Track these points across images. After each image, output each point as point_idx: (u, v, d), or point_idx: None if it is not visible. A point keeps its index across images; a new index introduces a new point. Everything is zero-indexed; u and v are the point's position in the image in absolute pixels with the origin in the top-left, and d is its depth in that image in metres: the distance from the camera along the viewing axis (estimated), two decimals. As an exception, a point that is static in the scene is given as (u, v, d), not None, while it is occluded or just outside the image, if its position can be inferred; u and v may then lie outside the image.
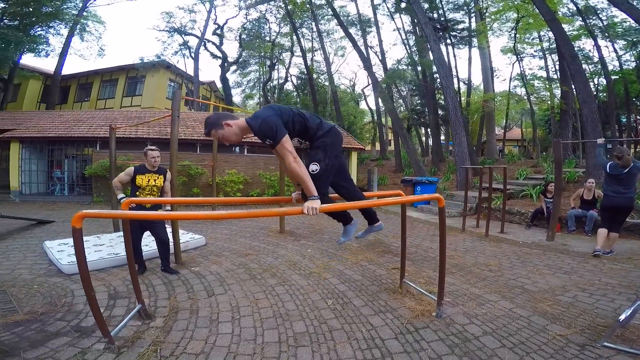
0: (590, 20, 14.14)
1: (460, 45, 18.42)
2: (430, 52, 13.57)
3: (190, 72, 21.06)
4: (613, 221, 4.40)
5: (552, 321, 2.50)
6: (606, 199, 4.41)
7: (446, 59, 16.12)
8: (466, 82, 19.10)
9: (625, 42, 14.63)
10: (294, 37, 21.93)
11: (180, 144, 11.87)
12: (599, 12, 14.23)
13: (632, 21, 10.06)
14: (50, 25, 16.33)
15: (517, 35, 14.39)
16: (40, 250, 4.53)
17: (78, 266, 2.01)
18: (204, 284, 3.47)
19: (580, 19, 13.93)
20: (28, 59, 19.28)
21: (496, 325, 2.47)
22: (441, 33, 16.25)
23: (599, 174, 6.70)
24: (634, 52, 14.70)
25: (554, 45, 14.09)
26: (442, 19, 16.89)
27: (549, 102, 15.04)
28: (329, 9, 17.35)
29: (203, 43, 21.38)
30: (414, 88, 21.32)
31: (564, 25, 10.51)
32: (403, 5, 15.01)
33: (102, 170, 9.90)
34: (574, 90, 10.00)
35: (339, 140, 2.27)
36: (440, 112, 17.99)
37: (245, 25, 22.86)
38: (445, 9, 17.17)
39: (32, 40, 15.47)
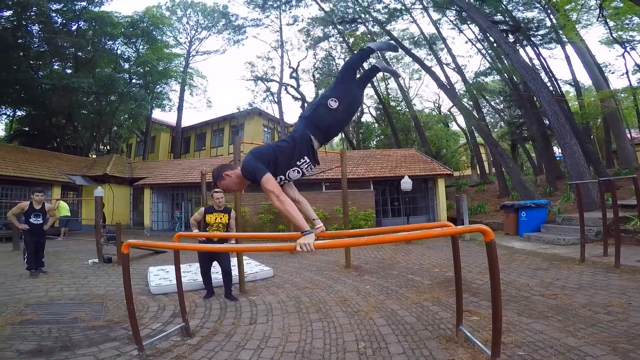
0: None
1: (548, 45, 15.59)
2: (507, 57, 11.96)
3: (278, 116, 23.04)
4: None
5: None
6: None
7: (535, 62, 13.89)
8: (571, 83, 15.72)
9: None
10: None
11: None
12: None
13: None
14: (166, 82, 20.20)
15: (611, 23, 11.39)
16: (145, 274, 5.46)
17: (124, 284, 2.43)
18: (252, 312, 3.58)
19: None
20: (158, 114, 24.04)
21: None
22: (516, 34, 14.21)
23: None
24: None
25: None
26: (510, 21, 14.87)
27: None
28: (388, 36, 17.38)
29: (284, 87, 23.22)
30: (508, 99, 18.66)
31: None
32: (465, 14, 13.99)
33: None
34: None
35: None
36: (545, 121, 15.08)
37: (316, 65, 24.30)
38: (510, 9, 15.09)
39: (156, 96, 19.26)
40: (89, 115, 18.36)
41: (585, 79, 18.04)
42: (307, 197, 10.90)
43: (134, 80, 18.54)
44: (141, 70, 18.11)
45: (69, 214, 11.15)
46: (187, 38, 23.56)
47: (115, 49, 18.10)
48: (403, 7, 17.00)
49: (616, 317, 2.74)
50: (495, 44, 13.48)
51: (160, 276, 4.93)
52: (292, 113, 48.59)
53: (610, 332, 2.43)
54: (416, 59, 16.17)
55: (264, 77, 23.02)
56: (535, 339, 2.47)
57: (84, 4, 15.57)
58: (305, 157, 1.99)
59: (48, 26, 15.10)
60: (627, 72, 14.15)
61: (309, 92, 37.16)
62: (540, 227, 8.36)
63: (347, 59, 2.28)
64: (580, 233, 5.46)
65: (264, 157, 1.94)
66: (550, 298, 3.55)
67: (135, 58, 18.29)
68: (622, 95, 13.54)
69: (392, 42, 2.53)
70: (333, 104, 1.99)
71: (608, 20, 11.59)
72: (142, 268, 6.08)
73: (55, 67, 17.28)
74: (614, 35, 12.51)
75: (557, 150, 18.59)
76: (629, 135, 15.31)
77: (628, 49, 13.12)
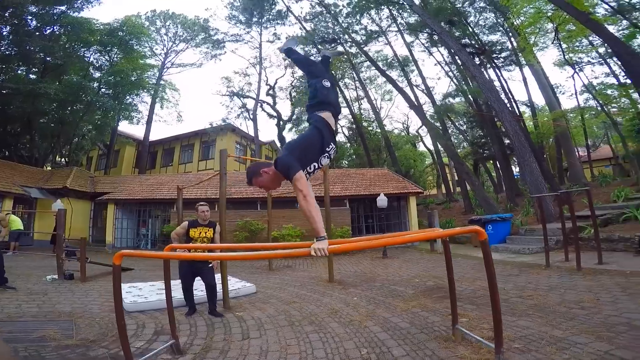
0: (634, 15, 12.21)
1: (508, 67, 17.27)
2: (473, 79, 13.06)
3: (252, 133, 22.65)
4: None
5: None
6: None
7: (497, 83, 15.20)
8: (527, 104, 17.42)
9: None
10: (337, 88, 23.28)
11: (242, 202, 13.18)
12: (637, 6, 12.33)
13: None
14: (137, 93, 19.24)
15: (564, 45, 12.87)
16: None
17: (114, 298, 2.28)
18: (242, 327, 3.44)
19: (623, 17, 12.16)
20: (123, 127, 22.61)
21: (578, 374, 1.82)
22: (481, 57, 15.64)
23: None
24: None
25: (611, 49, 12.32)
26: (477, 43, 16.41)
27: (632, 110, 12.57)
28: (365, 57, 18.25)
29: (259, 104, 23.00)
30: (471, 120, 20.16)
31: (609, 26, 9.30)
32: (436, 38, 15.25)
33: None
34: None
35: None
36: (506, 141, 16.47)
37: (293, 83, 24.29)
38: (478, 32, 16.69)
39: (125, 108, 18.29)
40: (49, 124, 17.00)
41: (539, 100, 20.00)
42: (284, 214, 10.87)
43: (103, 90, 17.61)
44: (112, 79, 17.27)
45: (21, 228, 10.12)
46: (163, 49, 23.03)
47: (88, 56, 17.27)
48: (380, 30, 18.07)
49: (590, 311, 3.00)
50: (462, 66, 14.66)
51: (133, 293, 4.68)
52: (266, 131, 48.31)
53: (589, 323, 2.66)
54: (390, 80, 17.10)
55: (240, 92, 22.77)
56: (525, 333, 2.63)
57: (63, 8, 14.87)
58: (332, 144, 2.10)
59: (20, 29, 14.12)
60: (576, 93, 15.91)
61: (285, 110, 37.03)
62: (506, 238, 8.96)
63: (293, 60, 2.53)
64: (544, 242, 5.95)
65: (297, 152, 1.98)
66: (527, 299, 3.80)
67: (107, 67, 17.49)
68: (571, 115, 15.04)
69: (295, 37, 2.94)
70: (326, 83, 2.23)
71: (562, 42, 12.98)
72: (110, 285, 5.62)
73: (19, 71, 16.03)
74: (566, 57, 13.96)
75: (514, 168, 20.10)
76: (577, 154, 16.98)
77: (577, 70, 14.79)
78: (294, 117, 25.32)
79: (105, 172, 20.18)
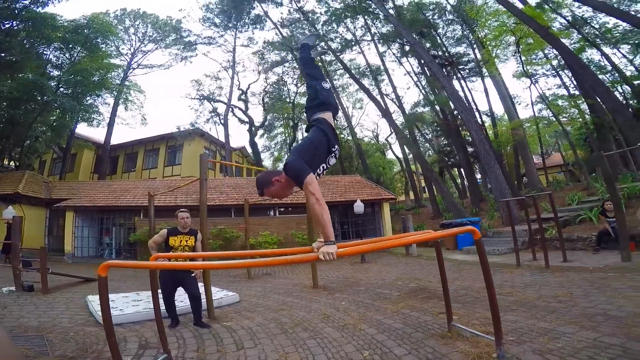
0: (585, 29, 13.77)
1: (472, 78, 18.45)
2: (443, 89, 13.77)
3: (222, 138, 21.99)
4: None
5: (654, 347, 1.93)
6: None
7: (462, 94, 16.19)
8: (488, 114, 18.74)
9: (630, 46, 13.82)
10: None
11: (216, 210, 12.68)
12: (588, 20, 13.92)
13: (626, 24, 9.74)
14: (99, 94, 18.00)
15: (523, 58, 14.07)
16: (82, 304, 4.77)
17: (101, 312, 2.10)
18: (234, 337, 3.28)
19: (576, 31, 13.64)
20: (82, 129, 20.91)
21: (579, 359, 1.95)
22: (448, 68, 16.63)
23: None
24: None
25: (564, 62, 13.66)
26: (446, 54, 17.43)
27: (580, 119, 13.97)
28: (341, 65, 18.62)
29: (231, 109, 22.40)
30: (438, 129, 21.23)
31: (563, 40, 10.33)
32: (407, 48, 15.97)
33: (145, 236, 10.47)
34: (600, 101, 9.41)
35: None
36: (469, 149, 17.51)
37: (266, 89, 24.07)
38: (447, 45, 17.76)
39: (85, 109, 16.96)
40: (-3, 124, 15.31)
41: (498, 109, 21.33)
42: (260, 222, 10.73)
43: (62, 89, 16.22)
44: (73, 78, 15.97)
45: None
46: (130, 49, 21.73)
47: (48, 54, 15.83)
48: (354, 38, 18.55)
49: (567, 304, 3.24)
50: (433, 77, 15.43)
51: None
52: (237, 136, 47.17)
53: (570, 315, 2.87)
54: (364, 89, 17.54)
55: (211, 96, 22.11)
56: (515, 327, 2.78)
57: (27, 2, 13.58)
58: (336, 144, 2.11)
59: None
60: (532, 103, 17.29)
61: (257, 115, 36.39)
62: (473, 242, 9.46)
63: (300, 57, 2.55)
64: (514, 243, 6.38)
65: (307, 154, 1.94)
66: (507, 296, 4.03)
67: (68, 65, 16.17)
68: (527, 124, 16.34)
69: (317, 33, 2.94)
70: (326, 85, 2.29)
71: (522, 55, 14.11)
72: (76, 297, 5.29)
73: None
74: (525, 68, 15.10)
75: (477, 175, 21.34)
76: (533, 161, 18.37)
77: (534, 81, 16.05)
78: (266, 123, 25.12)
79: (61, 177, 18.45)
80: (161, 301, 3.91)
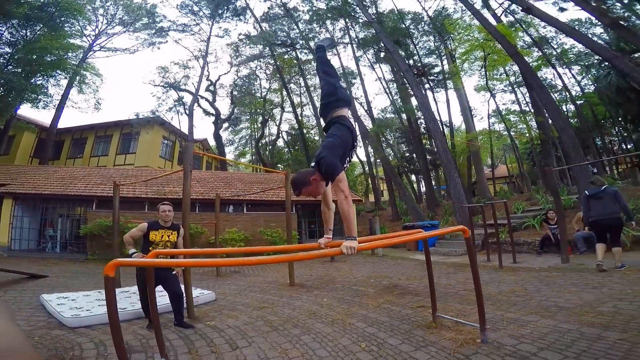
0: (546, 50, 15.57)
1: (437, 89, 19.84)
2: (412, 98, 14.52)
3: (184, 129, 21.01)
4: (609, 238, 4.63)
5: (605, 329, 2.41)
6: (593, 220, 4.69)
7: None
8: (447, 124, 20.24)
9: (580, 67, 15.92)
10: (284, 92, 22.65)
11: (178, 203, 11.99)
12: (549, 40, 15.80)
13: (581, 46, 11.21)
14: (52, 74, 16.38)
15: (487, 73, 15.43)
16: (36, 304, 4.41)
17: (109, 318, 1.95)
18: (225, 337, 3.26)
19: (537, 49, 15.33)
20: (24, 110, 19.16)
21: (549, 341, 2.36)
22: (418, 78, 17.73)
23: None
24: (589, 75, 15.93)
25: (520, 79, 15.26)
26: (418, 64, 18.52)
27: (527, 135, 15.73)
28: (314, 63, 18.79)
29: (197, 99, 21.64)
30: (401, 135, 22.36)
31: (524, 58, 11.58)
32: (382, 55, 16.66)
33: (98, 230, 9.63)
34: (549, 119, 10.71)
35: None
36: (428, 157, 18.75)
37: (236, 82, 23.52)
38: (420, 55, 18.89)
39: (33, 89, 15.28)
40: None
41: (456, 121, 22.86)
42: (227, 217, 10.60)
43: (10, 67, 14.30)
44: (26, 57, 14.17)
45: None
46: (94, 30, 19.68)
47: (2, 30, 13.96)
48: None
49: (524, 298, 3.77)
50: (403, 85, 16.21)
51: (68, 305, 4.08)
52: (200, 128, 44.98)
53: (529, 307, 3.37)
54: None
55: (177, 85, 20.98)
56: (487, 317, 3.14)
57: None
58: (357, 140, 2.29)
59: None
60: (488, 117, 18.99)
61: (223, 108, 35.10)
62: (435, 242, 10.26)
63: (318, 57, 2.61)
64: (472, 244, 7.08)
65: (338, 151, 2.06)
66: (472, 292, 4.50)
67: (23, 43, 14.28)
68: (480, 138, 17.91)
69: (332, 37, 3.17)
70: (343, 83, 2.49)
71: (487, 70, 15.40)
72: (25, 296, 4.88)
73: None
74: (488, 83, 16.43)
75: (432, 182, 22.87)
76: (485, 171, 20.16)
77: (493, 95, 17.62)
78: (233, 116, 24.49)
79: (-6, 161, 16.23)
80: (121, 302, 3.77)
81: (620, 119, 15.26)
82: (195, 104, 21.27)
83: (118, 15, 20.02)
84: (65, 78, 17.52)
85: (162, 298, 4.03)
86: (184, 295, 3.88)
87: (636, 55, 11.30)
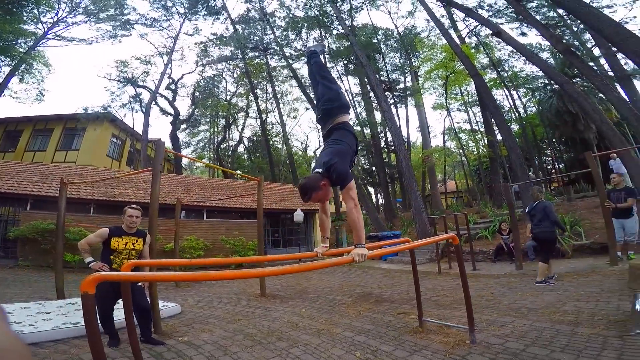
0: (501, 72, 17.37)
1: (399, 104, 20.96)
2: (377, 112, 15.05)
3: (137, 128, 19.56)
4: (540, 252, 4.87)
5: (575, 325, 2.69)
6: (532, 234, 4.97)
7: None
8: (406, 140, 21.42)
9: (526, 90, 17.96)
10: (250, 97, 22.23)
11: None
12: (503, 63, 17.70)
13: (529, 70, 12.54)
14: None
15: (447, 92, 16.66)
16: None
17: (89, 339, 1.61)
18: (204, 354, 2.99)
19: (492, 71, 17.02)
20: None
21: (531, 338, 2.56)
22: (386, 93, 18.62)
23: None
24: (533, 98, 18.05)
25: (473, 99, 16.73)
26: (385, 79, 19.44)
27: (475, 152, 17.28)
28: (284, 71, 18.76)
29: (155, 97, 20.51)
30: (362, 149, 23.12)
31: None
32: (352, 67, 17.21)
33: (32, 233, 8.37)
34: (500, 138, 11.84)
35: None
36: (387, 170, 19.60)
37: (200, 82, 22.68)
38: (388, 70, 19.82)
39: None
40: None
41: (413, 136, 24.08)
42: (185, 224, 10.06)
43: None
44: None
45: None
46: (53, 18, 17.41)
47: None
48: (304, 49, 18.92)
49: (493, 301, 4.07)
50: (370, 99, 16.78)
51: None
52: (156, 127, 41.68)
53: (501, 309, 3.64)
54: (310, 101, 18.02)
55: (135, 80, 19.49)
56: (466, 320, 3.37)
57: None
58: (359, 146, 2.35)
59: None
60: (443, 134, 20.37)
61: (182, 109, 33.70)
62: (398, 252, 10.68)
63: (314, 62, 2.58)
64: (436, 254, 7.51)
65: (347, 158, 2.06)
66: (444, 297, 4.78)
67: None
68: (436, 155, 19.16)
69: (323, 43, 3.26)
70: (343, 91, 2.58)
71: (448, 89, 16.46)
72: None
73: None
74: (446, 102, 17.48)
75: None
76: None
77: (449, 113, 18.93)
78: (192, 117, 23.42)
79: None
80: (70, 315, 3.35)
81: (554, 140, 17.50)
82: (153, 102, 19.94)
83: (83, 4, 18.27)
84: (9, 65, 15.46)
85: (122, 312, 3.64)
86: (151, 309, 3.56)
87: (576, 80, 13.18)
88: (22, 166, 11.95)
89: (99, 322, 3.30)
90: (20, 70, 16.53)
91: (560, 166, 18.38)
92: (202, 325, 3.98)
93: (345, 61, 18.50)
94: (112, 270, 3.23)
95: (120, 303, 3.34)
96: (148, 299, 3.62)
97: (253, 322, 4.05)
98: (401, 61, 20.10)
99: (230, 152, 25.37)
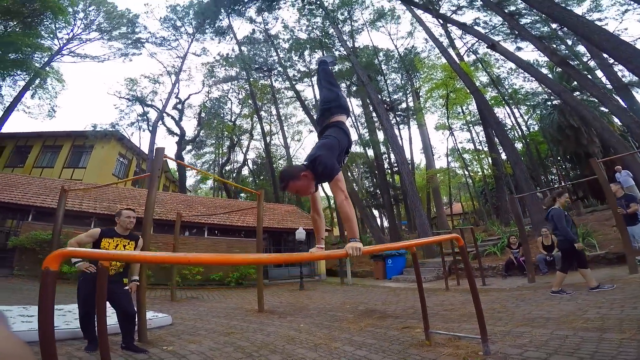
0: (499, 89, 17.38)
1: (402, 125, 21.04)
2: (379, 132, 15.07)
3: (143, 148, 19.76)
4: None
5: (602, 332, 2.40)
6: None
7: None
8: (410, 161, 21.32)
9: (527, 107, 17.85)
10: (254, 118, 22.48)
11: (107, 219, 10.80)
12: (502, 80, 17.73)
13: (529, 87, 12.50)
14: (11, 73, 14.75)
15: (448, 110, 16.49)
16: None
17: (39, 327, 1.33)
18: (191, 365, 2.74)
19: (492, 88, 17.03)
20: None
21: (553, 347, 2.28)
22: (388, 113, 18.73)
23: (542, 226, 7.43)
24: (534, 115, 17.92)
25: (475, 117, 16.65)
26: (387, 99, 19.66)
27: (480, 173, 17.00)
28: (288, 93, 19.13)
29: (162, 116, 20.88)
30: (365, 171, 23.04)
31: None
32: (355, 88, 17.51)
33: (30, 243, 8.20)
34: (504, 155, 11.66)
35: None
36: (392, 192, 19.36)
37: (205, 103, 23.05)
38: (390, 90, 20.06)
39: None
40: None
41: (417, 159, 23.98)
42: (186, 241, 9.83)
43: None
44: None
45: None
46: (69, 34, 18.36)
47: None
48: (307, 70, 19.45)
49: (506, 313, 3.75)
50: (372, 119, 16.90)
51: None
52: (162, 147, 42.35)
53: (516, 320, 3.33)
54: (313, 123, 18.32)
55: (143, 99, 20.01)
56: (478, 332, 3.08)
57: None
58: (350, 147, 2.24)
59: None
60: (447, 155, 20.20)
61: (188, 129, 34.54)
62: (403, 270, 10.27)
63: (323, 69, 2.63)
64: (443, 271, 7.16)
65: (335, 152, 1.98)
66: (452, 311, 4.45)
67: None
68: (440, 177, 18.92)
69: (335, 55, 3.31)
70: (344, 94, 2.54)
71: (448, 108, 16.44)
72: None
73: None
74: (449, 121, 17.39)
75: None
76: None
77: (451, 133, 18.84)
78: (198, 138, 23.75)
79: None
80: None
81: (559, 157, 17.21)
82: (160, 121, 20.39)
83: (97, 21, 19.26)
84: (24, 80, 16.02)
85: (108, 318, 3.40)
86: (136, 315, 3.35)
87: (575, 94, 13.15)
88: (30, 179, 12.09)
89: (79, 326, 3.14)
90: (34, 85, 17.10)
91: (568, 185, 17.95)
92: (191, 336, 3.75)
93: (348, 82, 18.92)
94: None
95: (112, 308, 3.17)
96: (135, 304, 3.42)
97: (246, 335, 3.78)
98: (402, 81, 20.50)
99: (234, 174, 25.44)
